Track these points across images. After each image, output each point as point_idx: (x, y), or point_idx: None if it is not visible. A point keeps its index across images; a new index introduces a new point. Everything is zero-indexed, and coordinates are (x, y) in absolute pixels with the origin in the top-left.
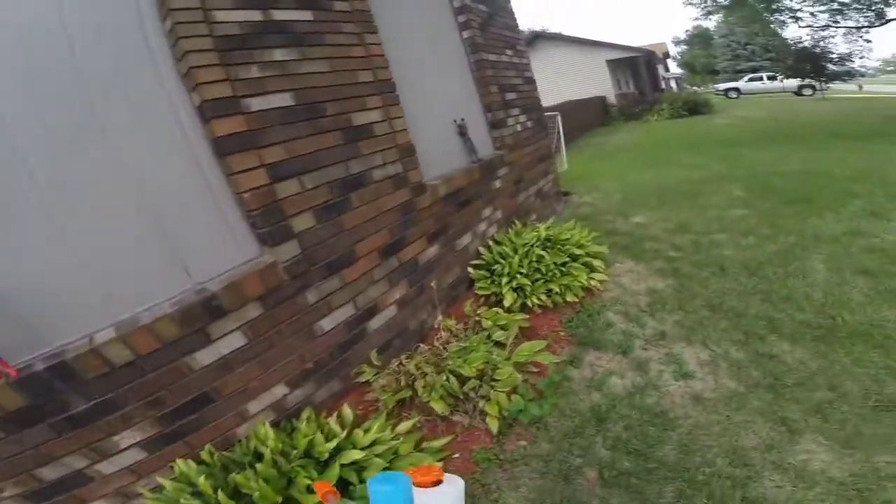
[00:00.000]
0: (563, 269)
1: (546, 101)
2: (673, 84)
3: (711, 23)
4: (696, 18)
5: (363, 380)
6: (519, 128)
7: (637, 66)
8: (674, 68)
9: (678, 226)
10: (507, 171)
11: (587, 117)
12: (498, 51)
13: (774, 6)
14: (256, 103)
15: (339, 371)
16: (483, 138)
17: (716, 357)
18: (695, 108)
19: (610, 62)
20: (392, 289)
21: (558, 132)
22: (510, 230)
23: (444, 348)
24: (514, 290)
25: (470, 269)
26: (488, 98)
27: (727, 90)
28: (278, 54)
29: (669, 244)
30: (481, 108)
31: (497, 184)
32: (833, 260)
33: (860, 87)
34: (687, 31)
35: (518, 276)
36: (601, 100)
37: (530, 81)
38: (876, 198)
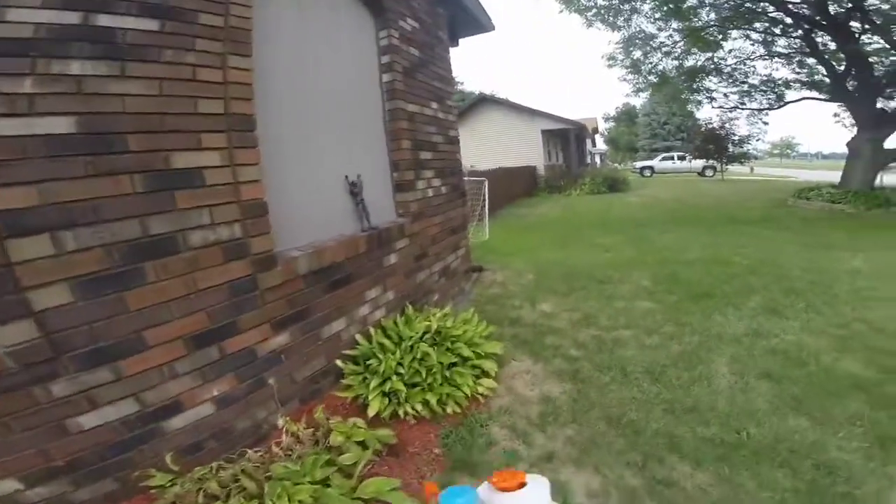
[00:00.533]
0: (448, 372)
1: (482, 164)
2: (597, 159)
3: (639, 101)
4: (628, 94)
5: (154, 484)
6: (430, 193)
7: (568, 138)
8: (600, 143)
9: (584, 317)
10: (407, 244)
11: (516, 186)
12: (421, 102)
13: (695, 85)
14: (10, 127)
15: (116, 471)
16: (384, 202)
17: (608, 485)
18: (613, 184)
19: (545, 132)
20: (207, 384)
21: (484, 199)
22: (401, 316)
23: (287, 454)
24: (386, 395)
25: (339, 363)
26: (398, 154)
27: (643, 168)
28: (75, 67)
29: (572, 340)
30: (388, 166)
31: (392, 259)
32: (737, 362)
33: (752, 169)
34: (617, 107)
35: (394, 377)
36: (531, 170)
37: (453, 141)
38: (773, 293)
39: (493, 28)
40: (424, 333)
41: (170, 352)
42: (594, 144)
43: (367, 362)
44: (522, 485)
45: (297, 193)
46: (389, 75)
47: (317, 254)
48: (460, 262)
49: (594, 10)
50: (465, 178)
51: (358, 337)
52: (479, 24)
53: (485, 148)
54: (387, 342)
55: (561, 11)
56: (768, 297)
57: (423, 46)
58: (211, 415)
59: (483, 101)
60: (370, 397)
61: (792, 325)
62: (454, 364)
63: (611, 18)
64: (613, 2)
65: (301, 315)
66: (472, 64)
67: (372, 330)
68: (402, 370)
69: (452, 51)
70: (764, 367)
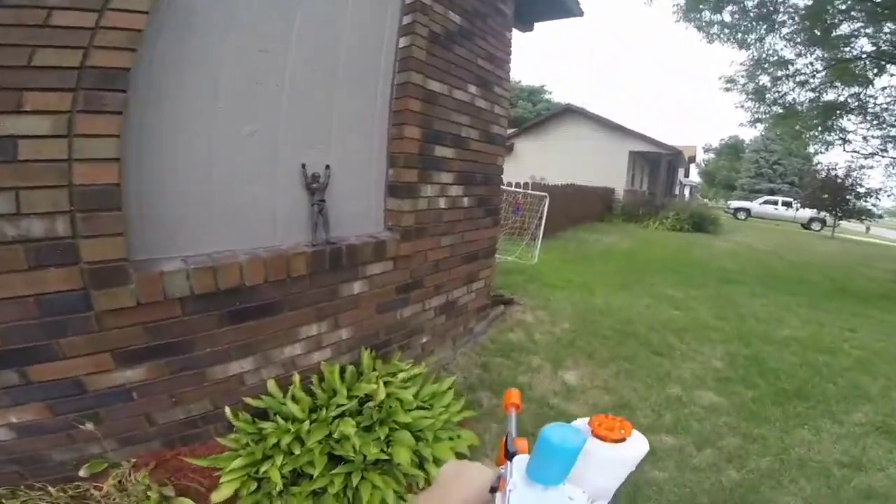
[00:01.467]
0: (364, 474)
1: (553, 178)
2: (687, 192)
3: (751, 133)
4: (741, 124)
5: None
6: (443, 203)
7: (659, 164)
8: (694, 175)
9: (617, 404)
10: (387, 270)
11: (587, 208)
12: (452, 81)
13: (829, 123)
14: None
15: None
16: (367, 208)
17: None
18: (700, 223)
19: (633, 153)
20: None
21: (541, 218)
22: (354, 365)
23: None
24: (257, 480)
25: (229, 413)
26: (399, 145)
27: (737, 209)
28: None
29: None
30: (384, 159)
31: (356, 287)
32: None
33: (868, 228)
34: (722, 139)
35: (278, 459)
36: (609, 192)
37: (494, 140)
38: (891, 401)
39: (580, 13)
40: (363, 401)
41: None
42: (687, 175)
43: (273, 420)
44: (623, 439)
45: (208, 182)
46: (408, 39)
47: (211, 271)
48: (474, 298)
49: (716, 27)
50: (514, 191)
51: (271, 385)
52: (562, 5)
53: (561, 161)
54: (300, 403)
55: (677, 21)
56: (883, 409)
57: (469, 14)
58: (8, 440)
59: (568, 112)
60: (225, 478)
61: None
62: (380, 464)
63: (739, 35)
64: (744, 21)
65: (171, 348)
66: (554, 66)
67: (297, 378)
68: (296, 451)
69: (527, 38)
70: None
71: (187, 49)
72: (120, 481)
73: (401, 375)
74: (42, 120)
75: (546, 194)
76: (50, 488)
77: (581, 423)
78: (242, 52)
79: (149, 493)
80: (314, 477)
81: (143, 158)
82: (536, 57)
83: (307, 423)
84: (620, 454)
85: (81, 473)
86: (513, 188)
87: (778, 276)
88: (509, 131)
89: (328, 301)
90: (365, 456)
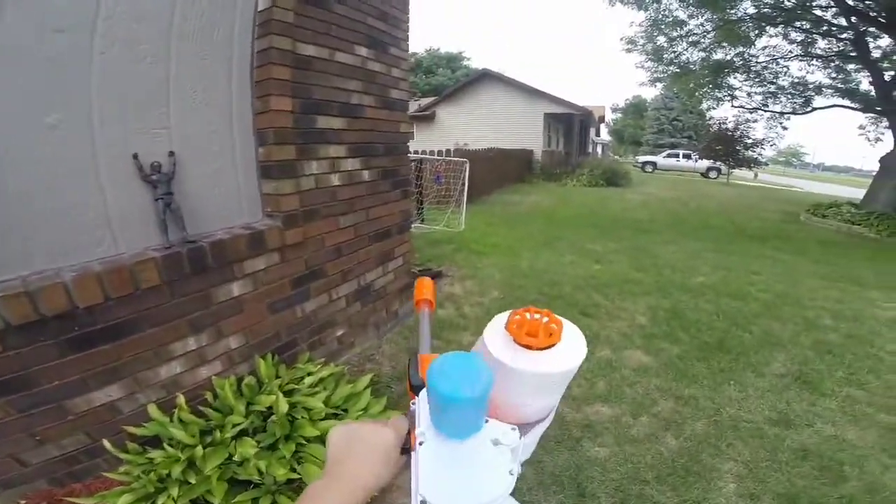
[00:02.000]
0: (280, 492)
1: (477, 144)
2: (599, 150)
3: (652, 93)
4: (642, 83)
5: None
6: (335, 180)
7: (572, 124)
8: (604, 134)
9: None
10: (274, 262)
11: (509, 171)
12: (333, 43)
13: (719, 80)
14: None
15: None
16: (237, 194)
17: None
18: (613, 178)
19: (548, 115)
20: None
21: (463, 184)
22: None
23: None
24: None
25: (109, 445)
26: (266, 119)
27: (645, 163)
28: None
29: None
30: (250, 137)
31: (236, 288)
32: (752, 478)
33: (756, 175)
34: (626, 99)
35: (180, 486)
36: (528, 154)
37: (394, 106)
38: (802, 350)
39: None
40: (267, 416)
41: None
42: (598, 134)
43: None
44: (551, 346)
45: (3, 191)
46: (268, 0)
47: (25, 297)
48: (393, 279)
49: None
50: (432, 158)
51: (152, 410)
52: None
53: (482, 126)
54: (188, 427)
55: None
56: (797, 357)
57: None
58: None
59: (485, 77)
60: None
61: (829, 406)
62: (294, 482)
63: None
64: None
65: (8, 386)
66: (471, 32)
67: (181, 400)
68: (191, 479)
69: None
70: (790, 484)
71: None
72: None
73: (308, 380)
74: None
75: (465, 160)
76: None
77: (496, 324)
78: (30, 36)
79: None
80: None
81: None
82: (453, 23)
83: (199, 448)
84: (551, 365)
85: None
86: (434, 157)
87: (685, 222)
88: (429, 99)
89: (202, 309)
90: (274, 477)
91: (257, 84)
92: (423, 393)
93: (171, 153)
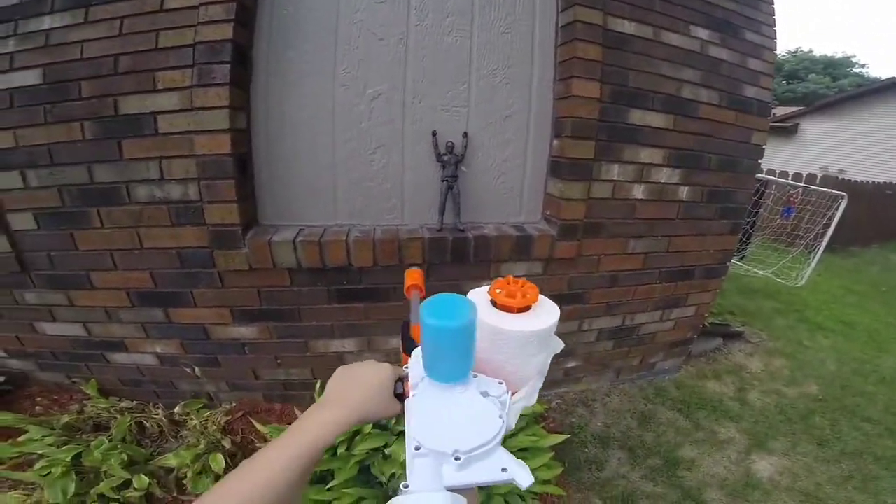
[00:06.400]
0: None
1: (855, 172)
2: None
3: None
4: None
5: None
6: (639, 192)
7: None
8: None
9: None
10: (535, 272)
11: None
12: (658, 20)
13: None
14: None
15: None
16: (520, 189)
17: None
18: None
19: None
20: None
21: (828, 224)
22: None
23: None
24: None
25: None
26: (568, 107)
27: None
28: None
29: None
30: (547, 126)
31: None
32: None
33: None
34: None
35: None
36: None
37: (746, 106)
38: None
39: None
40: None
41: None
42: None
43: None
44: (527, 307)
45: (331, 151)
46: None
47: (317, 247)
48: (672, 328)
49: None
50: (786, 183)
51: None
52: None
53: (869, 152)
54: None
55: None
56: None
57: None
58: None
59: (894, 88)
60: None
61: None
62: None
63: None
64: None
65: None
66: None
67: None
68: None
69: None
70: None
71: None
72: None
73: None
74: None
75: (844, 193)
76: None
77: (478, 292)
78: (356, 7)
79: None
80: None
81: (270, 128)
82: (836, 22)
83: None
84: (530, 324)
85: (177, 410)
86: (791, 182)
87: None
88: (792, 109)
89: None
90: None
91: (560, 64)
92: (416, 352)
93: (465, 134)
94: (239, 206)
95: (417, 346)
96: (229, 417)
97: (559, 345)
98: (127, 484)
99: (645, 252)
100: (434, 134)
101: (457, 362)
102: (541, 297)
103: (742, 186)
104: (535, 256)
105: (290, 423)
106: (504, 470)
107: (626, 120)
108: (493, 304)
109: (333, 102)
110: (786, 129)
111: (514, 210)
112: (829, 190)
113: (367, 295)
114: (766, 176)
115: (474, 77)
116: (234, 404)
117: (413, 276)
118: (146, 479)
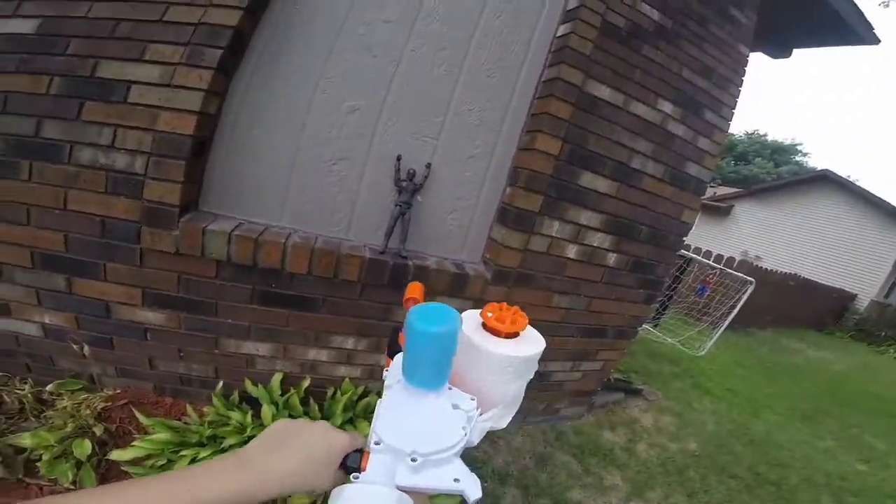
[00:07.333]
0: None
1: (770, 261)
2: None
3: None
4: None
5: None
6: (570, 253)
7: None
8: None
9: None
10: (463, 310)
11: (806, 310)
12: (631, 89)
13: None
14: None
15: None
16: (467, 229)
17: None
18: None
19: None
20: None
21: (733, 307)
22: None
23: None
24: None
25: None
26: (527, 158)
27: None
28: None
29: None
30: (504, 172)
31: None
32: None
33: None
34: None
35: None
36: (846, 297)
37: (686, 183)
38: None
39: (873, 41)
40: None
41: None
42: None
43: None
44: (515, 334)
45: (294, 152)
46: (569, 26)
47: (252, 244)
48: (578, 379)
49: None
50: (706, 263)
51: (276, 378)
52: (844, 27)
53: (790, 241)
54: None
55: None
56: None
57: (673, 11)
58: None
59: (824, 180)
60: None
61: None
62: None
63: None
64: None
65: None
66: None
67: (306, 384)
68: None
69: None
70: None
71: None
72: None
73: None
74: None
75: (752, 281)
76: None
77: (472, 314)
78: (362, 21)
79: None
80: None
81: (240, 117)
82: (790, 110)
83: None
84: (513, 350)
85: (49, 388)
86: (711, 263)
87: None
88: (731, 190)
89: (375, 320)
90: None
91: (532, 117)
92: (398, 357)
93: (429, 165)
94: (182, 188)
95: (399, 352)
96: (108, 404)
97: (533, 371)
98: None
99: (566, 308)
100: (399, 158)
101: (434, 369)
102: (529, 327)
103: (664, 261)
104: (468, 295)
105: (179, 420)
106: (457, 480)
107: (576, 181)
108: (484, 326)
109: (310, 106)
110: (720, 210)
111: (458, 247)
112: (741, 275)
113: (294, 302)
114: (690, 254)
115: (451, 112)
116: (118, 391)
117: (413, 290)
118: None
